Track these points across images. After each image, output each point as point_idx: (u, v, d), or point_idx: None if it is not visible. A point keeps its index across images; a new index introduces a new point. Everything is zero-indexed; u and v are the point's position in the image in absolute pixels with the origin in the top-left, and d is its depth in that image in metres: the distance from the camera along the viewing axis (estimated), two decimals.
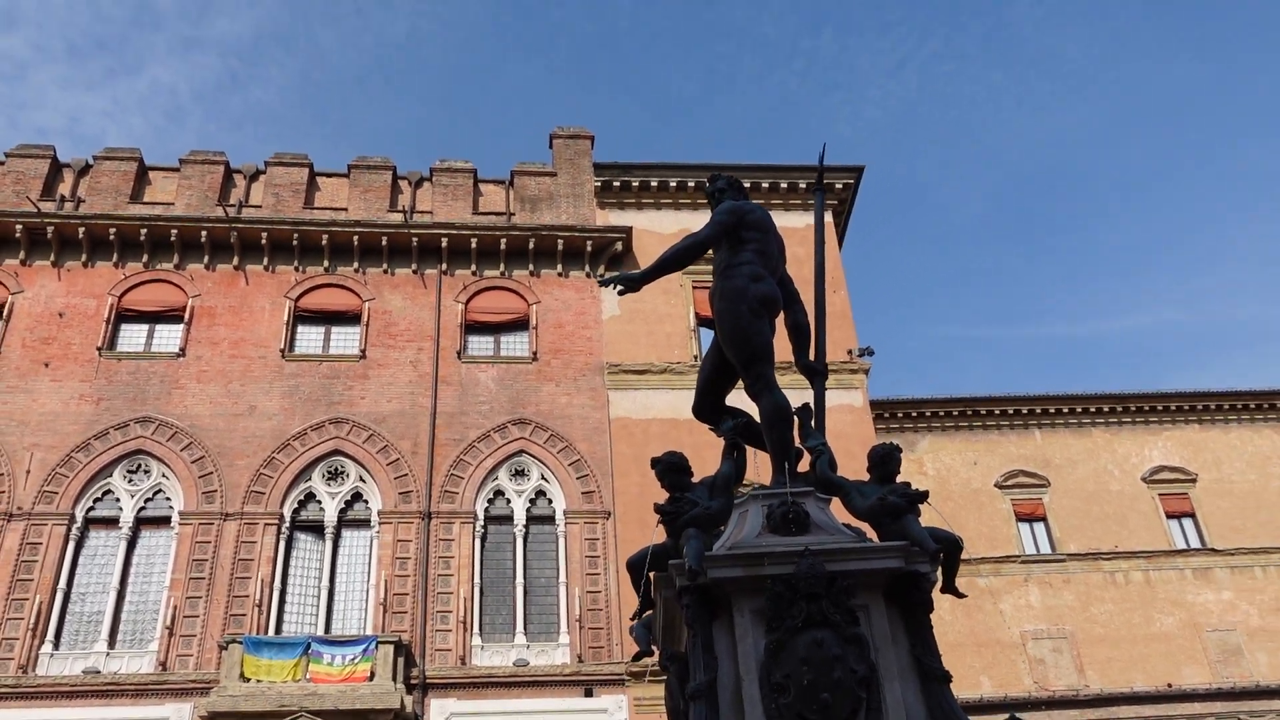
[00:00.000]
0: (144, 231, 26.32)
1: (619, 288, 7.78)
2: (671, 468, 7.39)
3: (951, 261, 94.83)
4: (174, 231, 26.43)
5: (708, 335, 25.22)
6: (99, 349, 25.08)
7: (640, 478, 22.91)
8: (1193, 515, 32.44)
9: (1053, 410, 33.56)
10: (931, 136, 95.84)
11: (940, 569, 7.04)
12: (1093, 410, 33.70)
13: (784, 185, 28.97)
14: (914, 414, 33.06)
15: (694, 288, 27.25)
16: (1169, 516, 32.34)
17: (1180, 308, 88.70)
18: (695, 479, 7.52)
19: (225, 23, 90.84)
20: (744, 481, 7.96)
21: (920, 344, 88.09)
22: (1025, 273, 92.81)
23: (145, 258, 26.49)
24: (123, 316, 25.88)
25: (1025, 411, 33.47)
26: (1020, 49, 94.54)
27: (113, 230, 26.26)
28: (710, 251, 8.51)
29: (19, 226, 25.99)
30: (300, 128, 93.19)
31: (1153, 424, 33.90)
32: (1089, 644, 29.82)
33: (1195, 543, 31.97)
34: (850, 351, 26.64)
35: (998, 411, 33.38)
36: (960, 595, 7.30)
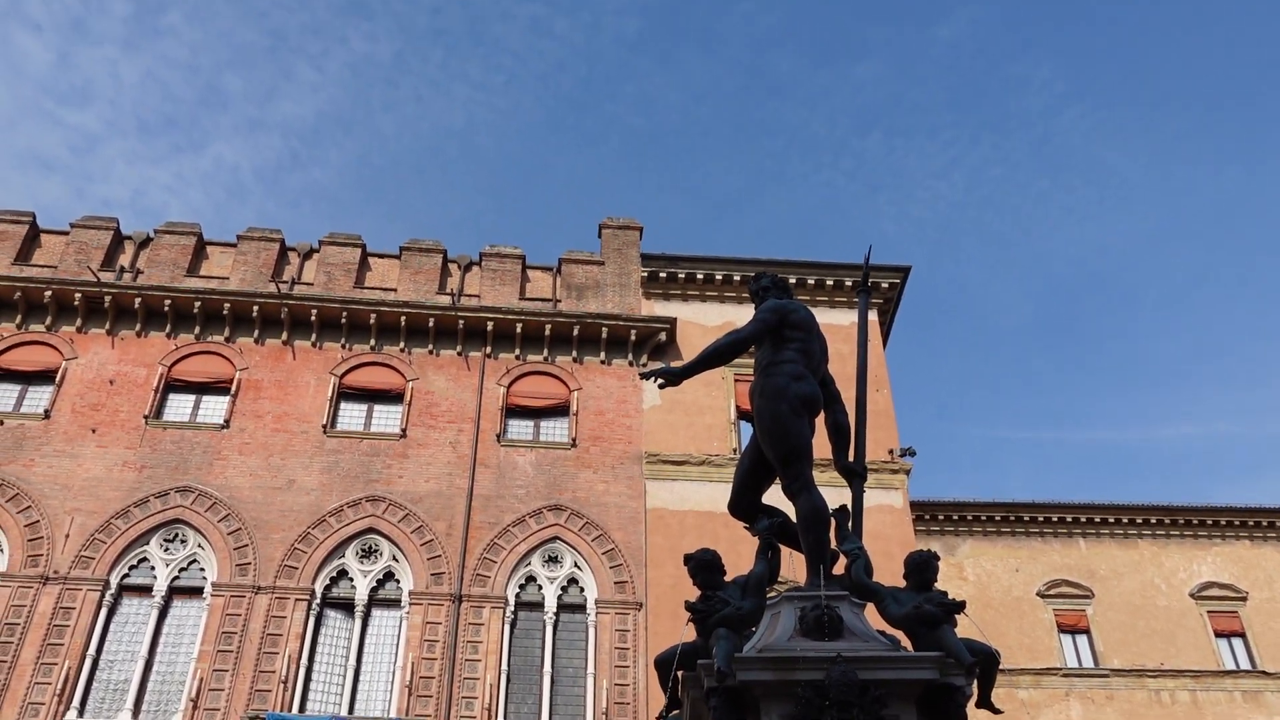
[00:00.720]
0: (198, 304, 26.86)
1: (660, 381, 7.83)
2: (704, 565, 7.34)
3: (996, 364, 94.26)
4: (227, 305, 26.95)
5: (748, 429, 25.11)
6: (146, 417, 25.44)
7: (674, 569, 22.66)
8: (1243, 635, 31.52)
9: (1098, 519, 32.96)
10: (977, 239, 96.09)
11: (976, 682, 6.88)
12: (1139, 521, 33.04)
13: (829, 283, 29.07)
14: (955, 517, 32.60)
15: (735, 381, 27.25)
16: (1218, 635, 31.44)
17: (1232, 419, 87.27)
18: (729, 577, 7.46)
19: (289, 105, 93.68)
20: (778, 581, 7.88)
21: (963, 446, 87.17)
22: (1070, 378, 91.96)
23: (197, 329, 26.99)
24: (171, 386, 26.29)
25: (1070, 520, 32.89)
26: (1068, 157, 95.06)
27: (168, 302, 26.82)
28: (753, 348, 8.56)
29: (78, 295, 26.63)
30: (355, 208, 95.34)
31: (1202, 538, 33.16)
32: None
33: (1245, 664, 30.99)
34: (891, 451, 26.43)
35: (1041, 518, 32.83)
36: (996, 711, 7.14)
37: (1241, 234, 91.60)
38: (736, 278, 28.80)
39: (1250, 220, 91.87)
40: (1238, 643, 31.42)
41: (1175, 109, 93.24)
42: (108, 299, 26.70)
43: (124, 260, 28.04)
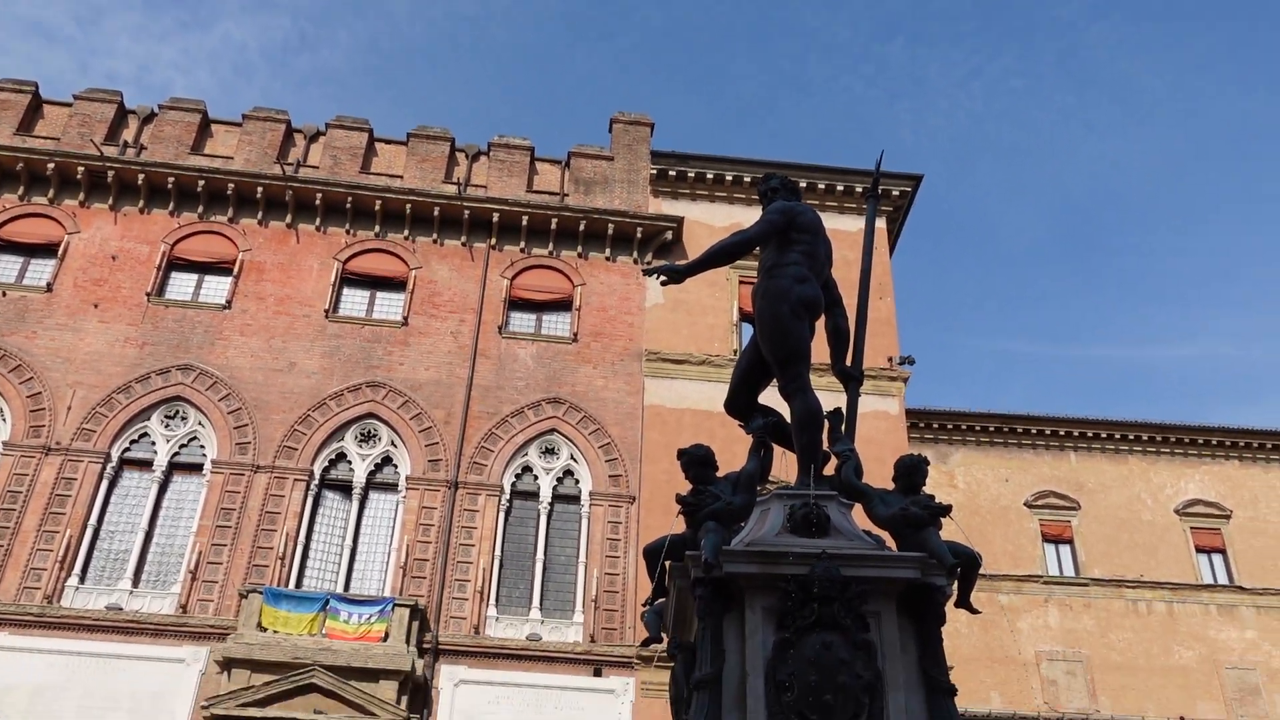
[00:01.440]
0: (201, 183, 26.68)
1: (662, 278, 7.83)
2: (697, 460, 7.45)
3: (1002, 277, 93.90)
4: (231, 185, 26.77)
5: (749, 331, 25.17)
6: (148, 294, 25.48)
7: (669, 465, 22.97)
8: (1223, 551, 32.07)
9: (1090, 434, 33.25)
10: (995, 152, 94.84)
11: (956, 584, 7.05)
12: (1131, 438, 33.35)
13: (840, 188, 28.83)
14: (949, 426, 32.89)
15: (739, 282, 27.22)
16: (1199, 550, 31.99)
17: (1232, 341, 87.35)
18: (721, 473, 7.57)
19: None
20: (769, 480, 8.01)
21: (963, 357, 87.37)
22: (1076, 293, 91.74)
23: (200, 209, 26.85)
24: (174, 265, 26.27)
25: (1062, 433, 33.19)
26: (1092, 72, 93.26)
27: (171, 179, 26.63)
28: (758, 249, 8.55)
29: (81, 168, 26.42)
30: (363, 93, 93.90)
31: (1191, 457, 33.51)
32: (1104, 670, 29.59)
33: (1223, 579, 31.60)
34: (891, 359, 26.56)
35: (1034, 430, 33.12)
36: (974, 611, 7.32)
37: (1259, 157, 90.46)
38: (746, 179, 28.56)
39: (1269, 143, 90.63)
40: (1218, 559, 31.98)
41: (1203, 26, 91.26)
42: (111, 174, 26.51)
43: (128, 135, 27.76)
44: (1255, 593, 31.24)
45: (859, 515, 7.37)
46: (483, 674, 21.64)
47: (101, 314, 25.08)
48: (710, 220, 28.34)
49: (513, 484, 24.22)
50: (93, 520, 22.57)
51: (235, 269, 26.17)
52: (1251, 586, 31.33)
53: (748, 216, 26.64)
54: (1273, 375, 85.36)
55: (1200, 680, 29.73)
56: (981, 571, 7.48)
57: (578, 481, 24.47)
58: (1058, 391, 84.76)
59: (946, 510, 7.05)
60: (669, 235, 27.61)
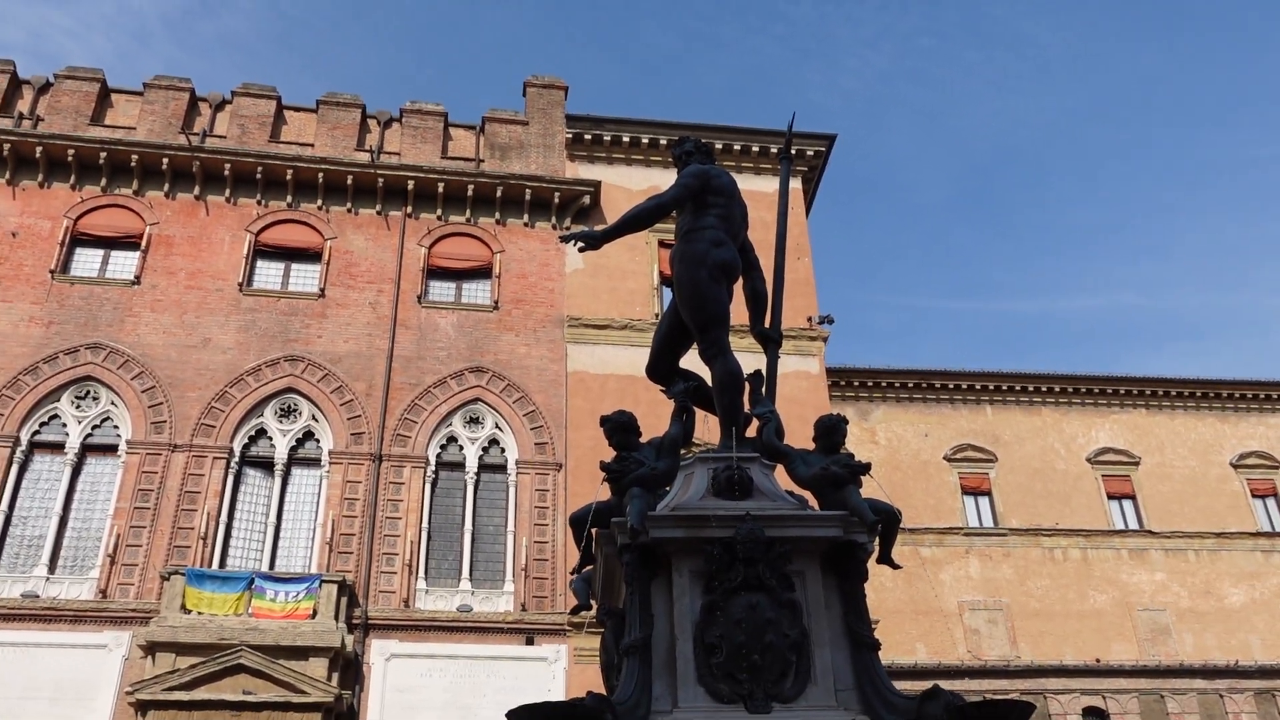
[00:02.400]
0: (103, 155, 25.84)
1: (580, 244, 7.78)
2: (620, 427, 7.44)
3: (916, 234, 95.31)
4: (135, 157, 25.97)
5: (670, 295, 25.22)
6: (51, 272, 24.68)
7: (594, 432, 22.89)
8: (1133, 497, 33.09)
9: (1005, 387, 33.98)
10: (905, 110, 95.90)
11: (878, 540, 7.16)
12: (1044, 390, 34.15)
13: (755, 149, 28.91)
14: (869, 383, 33.35)
15: (659, 245, 27.21)
16: (1110, 497, 32.96)
17: (1135, 292, 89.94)
18: (645, 439, 7.58)
19: None
20: (692, 444, 8.05)
21: (881, 315, 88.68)
22: (986, 249, 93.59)
23: (104, 182, 26.03)
24: (78, 240, 25.46)
25: (979, 387, 33.86)
26: (996, 30, 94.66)
27: (71, 151, 25.75)
28: (675, 213, 8.53)
29: None
30: (270, 59, 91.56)
31: (1101, 406, 34.45)
32: (1024, 617, 30.47)
33: (1134, 524, 32.64)
34: (810, 319, 26.81)
35: (951, 385, 33.74)
36: (895, 566, 7.45)
37: (1154, 110, 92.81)
38: (662, 141, 28.48)
39: (1165, 98, 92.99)
40: (1128, 505, 33.00)
41: None
42: (6, 147, 25.54)
43: (22, 106, 26.76)
44: (1163, 536, 32.33)
45: (781, 476, 7.44)
46: (414, 647, 21.56)
47: (3, 293, 24.25)
48: (628, 184, 28.25)
49: (438, 455, 24.06)
50: (3, 506, 21.92)
51: (143, 243, 25.46)
52: (1160, 530, 32.42)
53: (665, 179, 26.60)
54: (1177, 324, 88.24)
55: (1114, 623, 30.76)
56: (903, 526, 7.62)
57: (504, 451, 24.39)
58: (973, 346, 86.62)
59: (866, 468, 7.14)
60: (586, 200, 27.47)
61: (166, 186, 26.22)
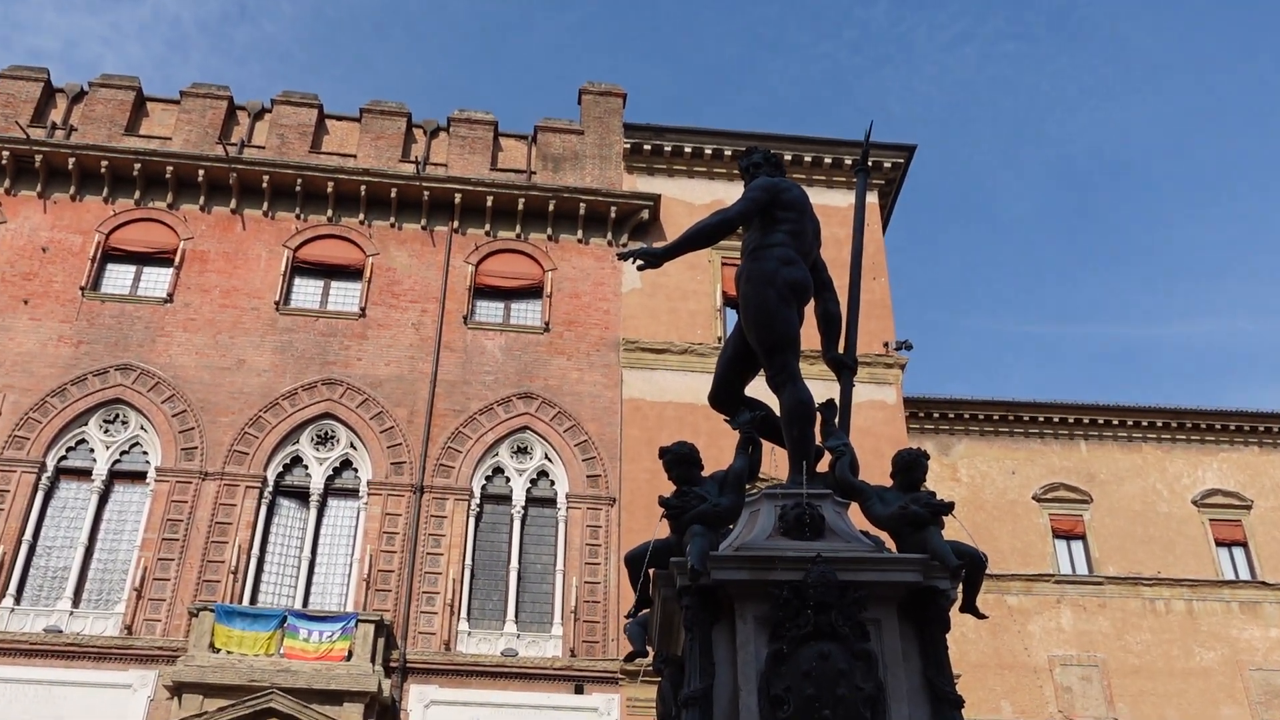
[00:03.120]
0: (138, 166, 26.47)
1: (639, 262, 7.83)
2: (680, 459, 7.43)
3: (1004, 253, 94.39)
4: (170, 168, 26.58)
5: (734, 317, 25.22)
6: (82, 289, 25.28)
7: (650, 464, 22.98)
8: (1244, 544, 32.35)
9: (1101, 421, 33.48)
10: (990, 120, 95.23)
11: (961, 586, 7.07)
12: (1145, 424, 33.58)
13: (827, 161, 28.89)
14: (951, 415, 33.05)
15: (723, 264, 27.26)
16: (1219, 544, 32.25)
17: (1248, 318, 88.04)
18: (707, 472, 7.57)
19: None
20: (758, 478, 8.03)
21: (964, 340, 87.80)
22: (1082, 269, 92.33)
23: (137, 194, 26.66)
24: (109, 255, 26.07)
25: (1071, 421, 33.40)
26: (1089, 32, 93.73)
27: (104, 163, 26.42)
28: (741, 229, 8.56)
29: (5, 153, 26.17)
30: (310, 67, 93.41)
31: (1209, 443, 33.77)
32: (1121, 674, 29.84)
33: (1245, 574, 31.89)
34: (886, 344, 26.65)
35: (1042, 419, 33.31)
36: (980, 616, 7.35)
37: (1272, 117, 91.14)
38: (727, 153, 28.57)
39: None
40: (1239, 552, 32.26)
41: None
42: (38, 158, 26.27)
43: (55, 116, 27.53)
44: (1279, 588, 31.54)
45: (856, 515, 7.39)
46: (455, 694, 21.62)
47: (32, 310, 24.87)
48: (689, 197, 28.36)
49: (483, 487, 24.20)
50: (28, 535, 22.40)
51: (176, 259, 26.00)
52: (1275, 582, 31.62)
53: (729, 193, 26.65)
54: None
55: (1223, 683, 30.01)
56: (988, 571, 7.51)
57: (553, 483, 24.47)
58: (1066, 375, 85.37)
59: (949, 508, 7.06)
60: (645, 214, 27.61)
61: (202, 199, 26.78)
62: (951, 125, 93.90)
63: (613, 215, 27.62)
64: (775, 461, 8.15)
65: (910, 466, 7.41)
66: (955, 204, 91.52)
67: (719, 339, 26.25)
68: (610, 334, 26.40)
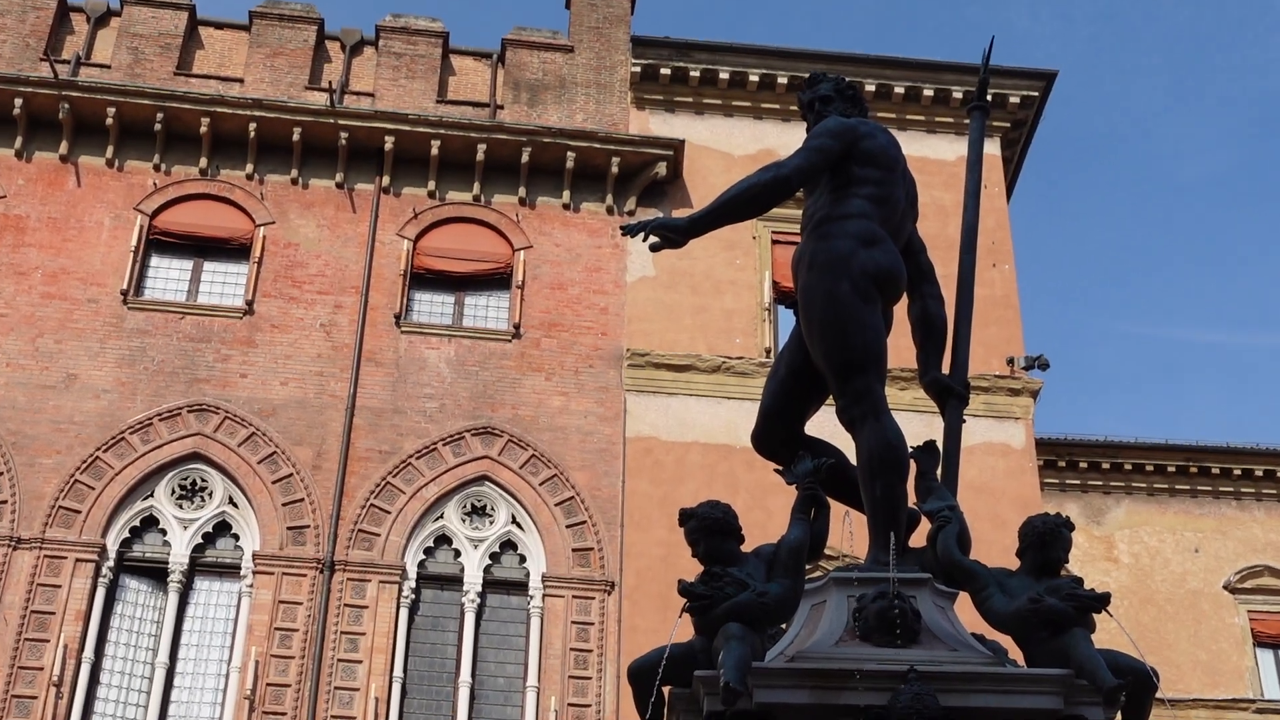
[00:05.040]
0: None
1: (653, 239, 7.86)
2: (711, 527, 7.47)
3: (1177, 231, 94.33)
4: None
5: (790, 320, 25.25)
6: None
7: (666, 532, 22.97)
8: None
9: None
10: (1156, 49, 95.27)
11: (1121, 714, 7.08)
12: None
13: (927, 93, 28.89)
14: (1105, 465, 33.00)
15: (774, 243, 27.29)
16: None
17: None
18: (749, 545, 7.61)
19: None
20: (824, 555, 8.05)
21: (1120, 355, 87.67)
22: None
23: None
24: None
25: None
26: None
27: None
28: (801, 192, 8.58)
29: None
30: None
31: None
32: None
33: None
34: (1012, 361, 26.62)
35: (1238, 471, 33.24)
36: None
37: None
38: (781, 80, 28.59)
39: None
40: None
41: None
42: None
43: None
44: None
45: (965, 609, 7.40)
46: None
47: None
48: (726, 144, 28.42)
49: (421, 564, 24.21)
50: None
51: None
52: None
53: (784, 140, 26.69)
54: None
55: None
56: (1160, 694, 7.51)
57: (524, 559, 24.48)
58: (1271, 407, 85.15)
59: (1103, 601, 7.09)
60: (662, 169, 27.66)
61: (19, 141, 26.86)
62: (1105, 45, 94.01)
63: (614, 170, 27.68)
64: (850, 530, 8.17)
65: (1047, 540, 7.44)
66: (1110, 159, 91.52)
67: (767, 351, 26.26)
68: (609, 343, 26.43)
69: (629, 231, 7.98)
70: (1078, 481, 32.80)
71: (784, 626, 7.31)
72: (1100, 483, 33.02)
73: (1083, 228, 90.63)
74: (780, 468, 8.28)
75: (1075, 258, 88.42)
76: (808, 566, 7.55)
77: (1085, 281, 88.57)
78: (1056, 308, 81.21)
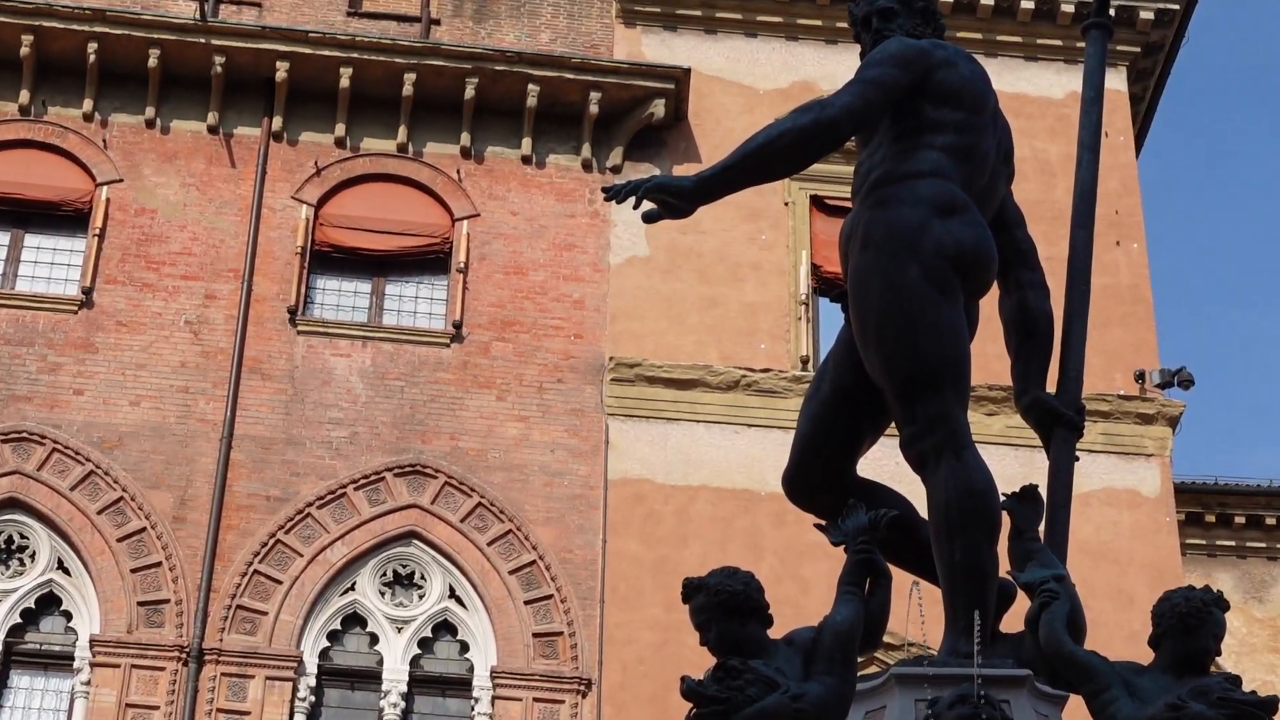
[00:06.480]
0: None
1: (648, 205, 7.83)
2: (728, 603, 7.40)
3: None
4: None
5: (833, 317, 25.23)
6: None
7: (664, 612, 23.05)
8: None
9: None
10: None
11: None
12: None
13: (1026, 4, 28.92)
14: (1268, 520, 33.06)
15: (813, 209, 27.31)
16: None
17: None
18: (780, 630, 7.58)
19: None
20: (882, 643, 8.01)
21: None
22: None
23: None
24: None
25: None
26: None
27: None
28: (853, 143, 8.57)
29: None
30: None
31: None
32: None
33: None
34: (1142, 377, 26.65)
35: None
36: None
37: None
38: None
39: None
40: None
41: None
42: None
43: None
44: None
45: (1076, 714, 7.40)
46: None
47: None
48: (746, 75, 28.50)
49: (324, 653, 24.23)
50: None
51: None
52: None
53: (827, 69, 26.75)
54: None
55: None
56: None
57: (465, 648, 24.51)
58: None
59: (1271, 709, 7.07)
60: (659, 108, 27.69)
61: None
62: None
63: (593, 110, 27.74)
64: (920, 608, 8.15)
65: (1190, 624, 7.40)
66: (1277, 100, 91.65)
67: (804, 362, 26.30)
68: (586, 349, 26.47)
69: (614, 195, 7.84)
70: (1232, 543, 32.87)
71: None
72: (1263, 544, 33.10)
73: (1240, 195, 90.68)
74: (822, 522, 8.23)
75: (1229, 236, 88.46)
76: (860, 659, 7.51)
77: (1243, 270, 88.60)
78: (1203, 304, 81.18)
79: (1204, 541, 32.15)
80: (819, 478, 8.42)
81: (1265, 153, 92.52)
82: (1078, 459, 8.50)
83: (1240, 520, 33.01)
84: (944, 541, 7.74)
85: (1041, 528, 8.09)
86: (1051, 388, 8.56)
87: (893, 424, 8.22)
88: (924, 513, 8.00)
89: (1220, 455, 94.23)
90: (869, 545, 7.73)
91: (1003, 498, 7.87)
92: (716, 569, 7.58)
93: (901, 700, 7.18)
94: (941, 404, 7.84)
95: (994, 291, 8.47)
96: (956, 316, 7.94)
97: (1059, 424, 8.39)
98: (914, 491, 8.14)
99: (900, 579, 8.11)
